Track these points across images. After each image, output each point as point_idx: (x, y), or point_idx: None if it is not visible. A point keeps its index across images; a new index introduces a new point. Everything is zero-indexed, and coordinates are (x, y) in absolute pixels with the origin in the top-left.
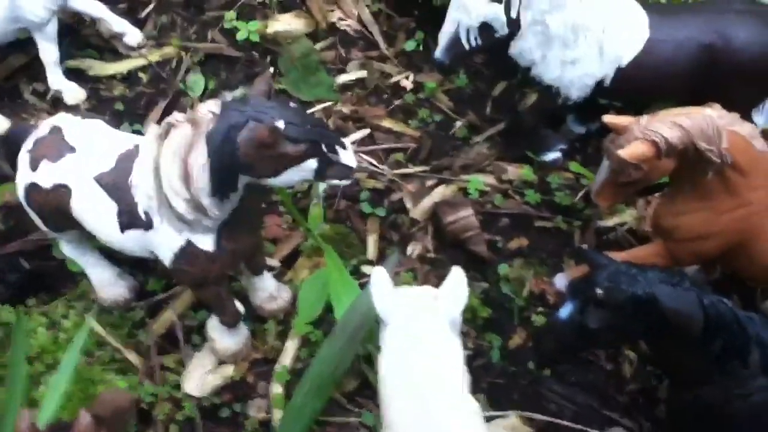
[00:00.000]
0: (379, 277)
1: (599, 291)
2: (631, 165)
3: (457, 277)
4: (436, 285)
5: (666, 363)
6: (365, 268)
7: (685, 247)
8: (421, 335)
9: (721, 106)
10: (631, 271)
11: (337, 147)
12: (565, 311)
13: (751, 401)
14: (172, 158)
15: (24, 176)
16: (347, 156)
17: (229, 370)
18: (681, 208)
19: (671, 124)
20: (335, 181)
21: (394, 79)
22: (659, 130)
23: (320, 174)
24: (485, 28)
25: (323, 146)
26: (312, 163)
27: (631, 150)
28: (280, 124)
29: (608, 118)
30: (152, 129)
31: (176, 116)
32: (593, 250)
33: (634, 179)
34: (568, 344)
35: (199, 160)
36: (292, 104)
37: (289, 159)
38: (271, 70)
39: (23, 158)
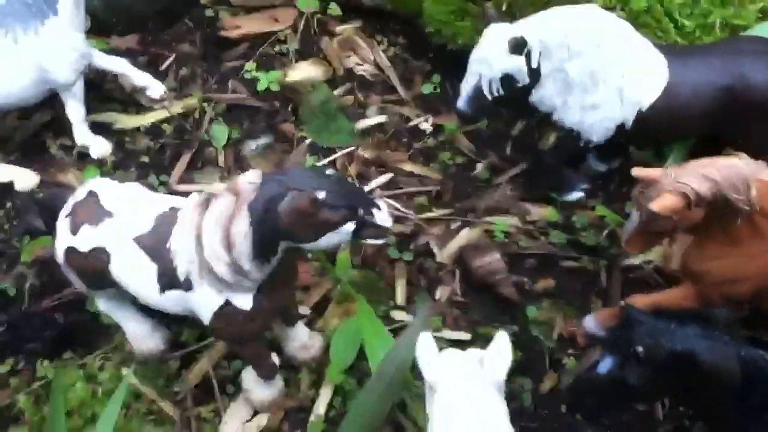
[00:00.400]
0: (425, 343)
1: (640, 350)
2: (662, 217)
3: (501, 340)
4: (466, 329)
5: (705, 415)
6: (395, 313)
7: (716, 291)
8: (470, 400)
9: (741, 146)
10: (670, 327)
11: (373, 209)
12: (605, 366)
13: None
14: (214, 226)
15: (64, 240)
16: (382, 217)
17: (264, 420)
18: (712, 253)
19: (700, 176)
20: (371, 241)
21: (413, 123)
22: (689, 183)
23: (358, 235)
24: (507, 78)
25: (360, 210)
26: (349, 227)
27: (662, 203)
28: (321, 194)
29: (637, 171)
30: (193, 197)
31: (217, 187)
32: (634, 308)
33: (664, 229)
34: (607, 399)
35: (242, 229)
36: (329, 172)
37: (329, 225)
38: (293, 118)
39: (62, 223)
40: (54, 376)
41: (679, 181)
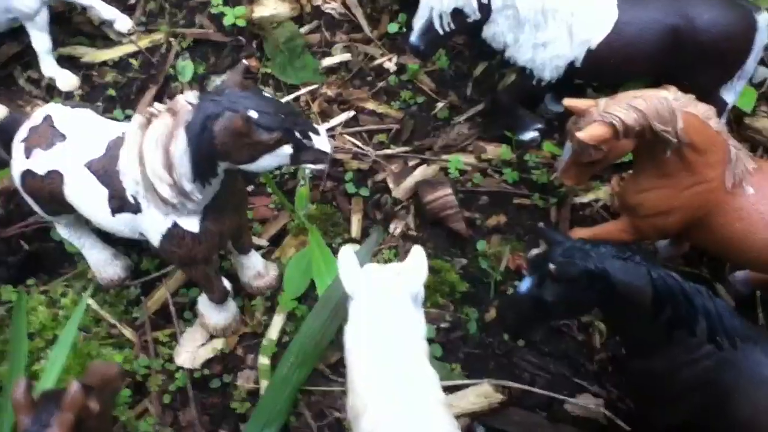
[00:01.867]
0: (345, 255)
1: (552, 266)
2: (591, 146)
3: (417, 254)
4: None
5: (620, 333)
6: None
7: (648, 223)
8: (384, 308)
9: (689, 86)
10: (585, 247)
11: (310, 133)
12: (524, 285)
13: (699, 367)
14: (154, 146)
15: (19, 164)
16: (321, 141)
17: (219, 344)
18: (644, 185)
19: (627, 106)
20: (311, 166)
21: (377, 62)
22: (616, 113)
23: (295, 159)
24: (457, 13)
25: (296, 133)
26: (287, 149)
27: (590, 132)
28: (253, 113)
29: (568, 101)
30: (136, 118)
31: (157, 106)
32: (551, 228)
33: (596, 159)
34: (527, 316)
35: (180, 149)
36: (265, 93)
37: (264, 146)
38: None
39: (17, 146)
40: (17, 299)
41: (607, 111)
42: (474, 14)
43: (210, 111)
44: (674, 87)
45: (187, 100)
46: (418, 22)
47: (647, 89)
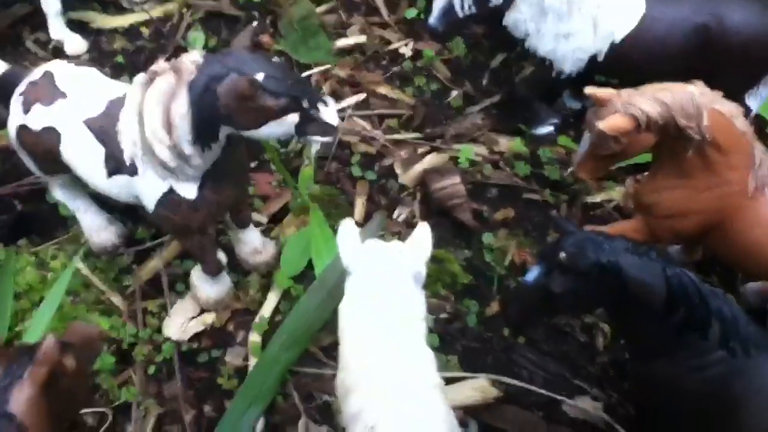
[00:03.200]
0: (346, 228)
1: (563, 255)
2: (611, 138)
3: (422, 231)
4: None
5: (627, 333)
6: None
7: (663, 224)
8: (383, 285)
9: (714, 88)
10: (598, 239)
11: (318, 104)
12: (532, 275)
13: (707, 373)
14: (155, 106)
15: (16, 118)
16: (329, 113)
17: (210, 318)
18: (661, 184)
19: (652, 98)
20: (317, 137)
21: (393, 46)
22: (640, 104)
23: (301, 129)
24: None
25: (304, 102)
26: (293, 118)
27: (611, 122)
28: (260, 76)
29: (590, 90)
30: (138, 77)
31: (160, 65)
32: (566, 219)
33: (614, 152)
34: (532, 308)
35: (181, 109)
36: (275, 59)
37: (270, 112)
38: (271, 30)
39: (16, 101)
40: (5, 257)
41: (631, 102)
42: None
43: (215, 72)
44: (701, 82)
45: (191, 59)
46: (439, 3)
47: (673, 83)
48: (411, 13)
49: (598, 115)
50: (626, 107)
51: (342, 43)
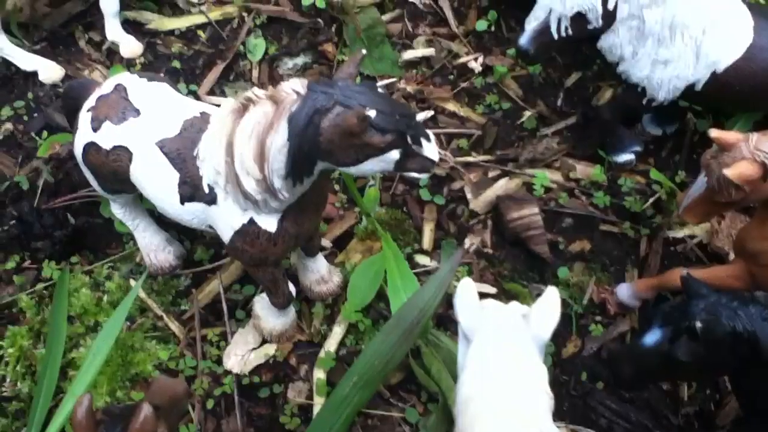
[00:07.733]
0: (465, 289)
1: (699, 325)
2: (734, 185)
3: (552, 295)
4: (492, 282)
5: (747, 400)
6: (418, 258)
7: None
8: (509, 358)
9: None
10: (732, 305)
11: (422, 139)
12: (652, 338)
13: None
14: (248, 136)
15: (84, 135)
16: (430, 149)
17: (271, 350)
18: None
19: None
20: (414, 174)
21: (461, 60)
22: None
23: (401, 165)
24: (578, 18)
25: (408, 137)
26: (394, 154)
27: (739, 170)
28: (372, 113)
29: (715, 133)
30: (228, 102)
31: (257, 92)
32: (694, 278)
33: (732, 200)
34: (649, 372)
35: (278, 142)
36: (380, 89)
37: (374, 149)
38: (336, 39)
39: (84, 117)
40: (60, 278)
41: (760, 148)
42: (597, 21)
43: (319, 104)
44: None
45: (293, 88)
46: (532, 24)
47: None
48: (481, 25)
49: (720, 160)
50: (755, 154)
51: (408, 55)
